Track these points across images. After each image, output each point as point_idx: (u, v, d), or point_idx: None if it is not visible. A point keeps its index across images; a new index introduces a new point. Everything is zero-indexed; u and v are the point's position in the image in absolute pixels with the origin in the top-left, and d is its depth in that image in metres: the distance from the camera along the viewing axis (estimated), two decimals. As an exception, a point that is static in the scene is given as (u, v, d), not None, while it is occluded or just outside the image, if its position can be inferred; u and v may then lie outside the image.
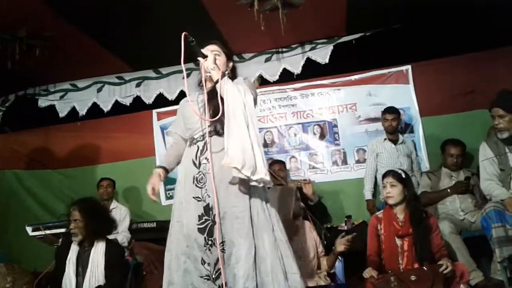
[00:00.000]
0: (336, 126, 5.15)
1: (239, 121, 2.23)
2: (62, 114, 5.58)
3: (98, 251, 3.19)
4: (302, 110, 5.25)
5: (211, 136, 2.35)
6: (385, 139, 4.54)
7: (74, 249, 3.24)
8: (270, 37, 4.75)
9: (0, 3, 3.62)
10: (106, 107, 5.53)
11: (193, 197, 2.31)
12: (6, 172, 5.78)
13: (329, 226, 4.28)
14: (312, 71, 5.14)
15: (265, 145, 5.21)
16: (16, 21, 3.95)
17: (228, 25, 4.44)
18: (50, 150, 5.79)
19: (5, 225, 5.47)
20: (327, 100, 5.21)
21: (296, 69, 5.12)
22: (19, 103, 5.66)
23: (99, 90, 5.55)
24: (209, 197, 2.27)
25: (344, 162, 5.04)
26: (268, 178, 2.19)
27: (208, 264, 2.22)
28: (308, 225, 3.40)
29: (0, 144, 5.89)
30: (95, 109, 5.57)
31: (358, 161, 4.99)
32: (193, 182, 2.33)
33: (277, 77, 5.20)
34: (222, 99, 2.29)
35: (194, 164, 2.35)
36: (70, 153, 5.73)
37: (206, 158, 2.32)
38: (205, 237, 2.24)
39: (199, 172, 2.33)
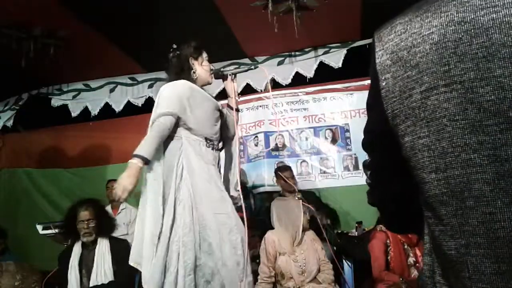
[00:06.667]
0: (348, 131, 5.11)
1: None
2: (74, 113, 5.61)
3: (103, 248, 3.19)
4: (314, 114, 5.22)
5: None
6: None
7: (76, 251, 3.21)
8: (283, 40, 4.74)
9: (16, 1, 3.65)
10: (118, 107, 5.55)
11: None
12: (18, 171, 5.82)
13: (339, 231, 4.24)
14: (325, 75, 5.12)
15: (276, 148, 5.19)
16: (32, 20, 3.98)
17: (241, 28, 4.44)
18: (62, 150, 5.83)
19: (16, 223, 5.49)
20: (340, 104, 5.18)
21: (309, 73, 5.09)
22: (32, 102, 5.71)
23: (111, 90, 5.58)
24: None
25: (356, 167, 5.00)
26: None
27: None
28: (310, 236, 3.35)
29: (13, 143, 5.95)
30: (107, 110, 5.60)
31: (369, 167, 4.93)
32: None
33: (289, 81, 5.18)
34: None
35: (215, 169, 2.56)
36: (81, 152, 5.76)
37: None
38: None
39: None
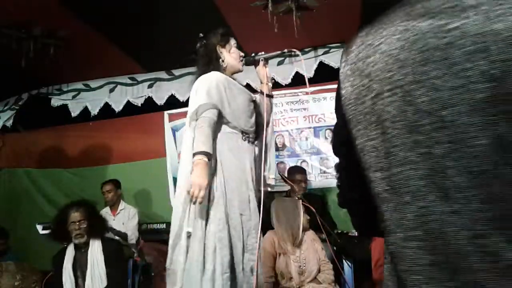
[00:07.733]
0: (348, 131, 5.09)
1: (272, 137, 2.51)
2: (74, 113, 5.61)
3: (96, 249, 3.16)
4: (314, 114, 5.22)
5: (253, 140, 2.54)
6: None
7: (70, 253, 3.18)
8: (283, 40, 4.71)
9: (16, 1, 3.65)
10: (118, 107, 5.55)
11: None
12: (18, 170, 5.82)
13: (339, 231, 4.23)
14: (325, 75, 5.11)
15: (276, 148, 5.18)
16: (32, 20, 3.98)
17: (241, 27, 4.43)
18: (62, 150, 5.83)
19: (16, 223, 5.50)
20: (340, 104, 5.16)
21: (309, 73, 5.09)
22: (32, 102, 5.72)
23: (111, 90, 5.58)
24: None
25: (356, 167, 4.98)
26: None
27: None
28: (310, 236, 3.35)
29: (13, 143, 5.95)
30: (106, 110, 5.60)
31: (369, 167, 4.92)
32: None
33: (289, 81, 5.18)
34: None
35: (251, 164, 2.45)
36: (81, 152, 5.76)
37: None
38: None
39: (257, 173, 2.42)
